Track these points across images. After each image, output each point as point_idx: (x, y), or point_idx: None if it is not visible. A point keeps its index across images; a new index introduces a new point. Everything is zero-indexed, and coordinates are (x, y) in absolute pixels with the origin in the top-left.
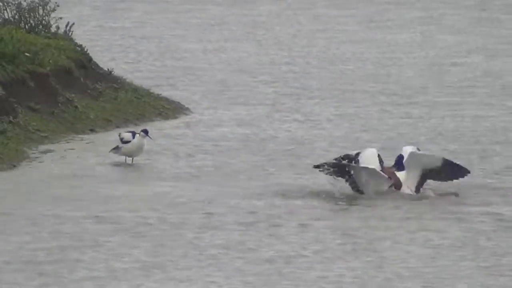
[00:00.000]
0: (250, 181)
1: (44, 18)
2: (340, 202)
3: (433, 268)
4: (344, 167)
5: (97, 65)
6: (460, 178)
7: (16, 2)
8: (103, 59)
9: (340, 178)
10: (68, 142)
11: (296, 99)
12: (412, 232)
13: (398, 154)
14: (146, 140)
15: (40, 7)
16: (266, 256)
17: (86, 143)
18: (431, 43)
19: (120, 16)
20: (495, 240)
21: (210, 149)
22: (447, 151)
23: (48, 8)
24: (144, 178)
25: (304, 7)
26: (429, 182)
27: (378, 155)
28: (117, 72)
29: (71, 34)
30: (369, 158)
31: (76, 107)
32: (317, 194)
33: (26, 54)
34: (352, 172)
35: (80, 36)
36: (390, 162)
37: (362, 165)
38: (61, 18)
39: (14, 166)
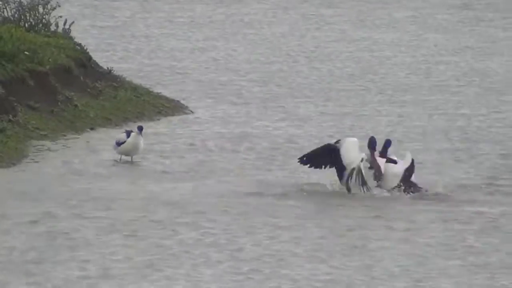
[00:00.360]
0: (240, 180)
1: (44, 16)
2: (330, 201)
3: (422, 267)
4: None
5: (96, 64)
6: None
7: (17, 1)
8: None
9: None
10: (67, 141)
11: (284, 97)
12: (401, 231)
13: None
14: (142, 138)
15: (40, 5)
16: (256, 255)
17: (86, 141)
18: (419, 42)
19: (110, 15)
20: (483, 240)
21: (199, 147)
22: (435, 150)
23: (48, 6)
24: (140, 177)
25: (292, 6)
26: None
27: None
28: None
29: (70, 32)
30: (349, 148)
31: (75, 105)
32: (306, 193)
33: (26, 52)
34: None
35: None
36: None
37: (344, 155)
38: (60, 16)
39: (14, 164)
